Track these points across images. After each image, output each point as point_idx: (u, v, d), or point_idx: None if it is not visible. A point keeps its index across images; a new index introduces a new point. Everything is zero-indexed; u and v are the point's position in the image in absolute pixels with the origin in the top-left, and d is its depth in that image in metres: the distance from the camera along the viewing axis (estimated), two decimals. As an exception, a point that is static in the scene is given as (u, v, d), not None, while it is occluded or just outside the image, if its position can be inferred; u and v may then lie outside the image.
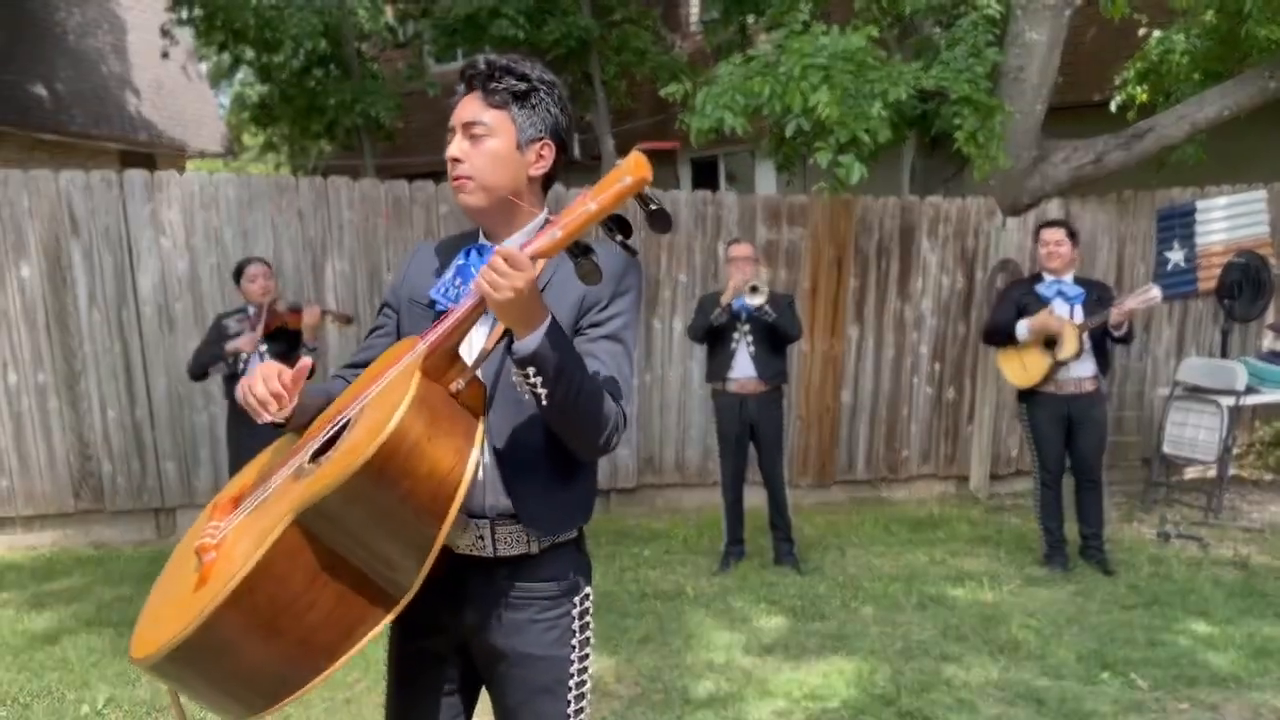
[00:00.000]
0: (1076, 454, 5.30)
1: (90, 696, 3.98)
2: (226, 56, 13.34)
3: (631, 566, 5.69)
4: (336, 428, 1.73)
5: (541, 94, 1.90)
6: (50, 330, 5.96)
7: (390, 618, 1.69)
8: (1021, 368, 5.28)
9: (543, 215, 1.94)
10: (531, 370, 1.66)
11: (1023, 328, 5.20)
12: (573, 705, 1.94)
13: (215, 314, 5.94)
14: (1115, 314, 5.05)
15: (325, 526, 1.60)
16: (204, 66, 16.97)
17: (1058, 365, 5.14)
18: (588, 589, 1.98)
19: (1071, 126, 8.04)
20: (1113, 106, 8.53)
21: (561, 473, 1.87)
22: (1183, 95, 7.78)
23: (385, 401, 1.65)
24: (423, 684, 1.97)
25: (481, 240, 1.96)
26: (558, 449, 1.83)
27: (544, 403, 1.69)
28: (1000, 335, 5.36)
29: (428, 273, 1.98)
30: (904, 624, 4.71)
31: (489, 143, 1.86)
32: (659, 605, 5.01)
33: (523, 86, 1.89)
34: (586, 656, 1.96)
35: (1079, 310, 5.19)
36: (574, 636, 1.94)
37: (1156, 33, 8.18)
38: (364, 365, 1.98)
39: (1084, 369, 5.20)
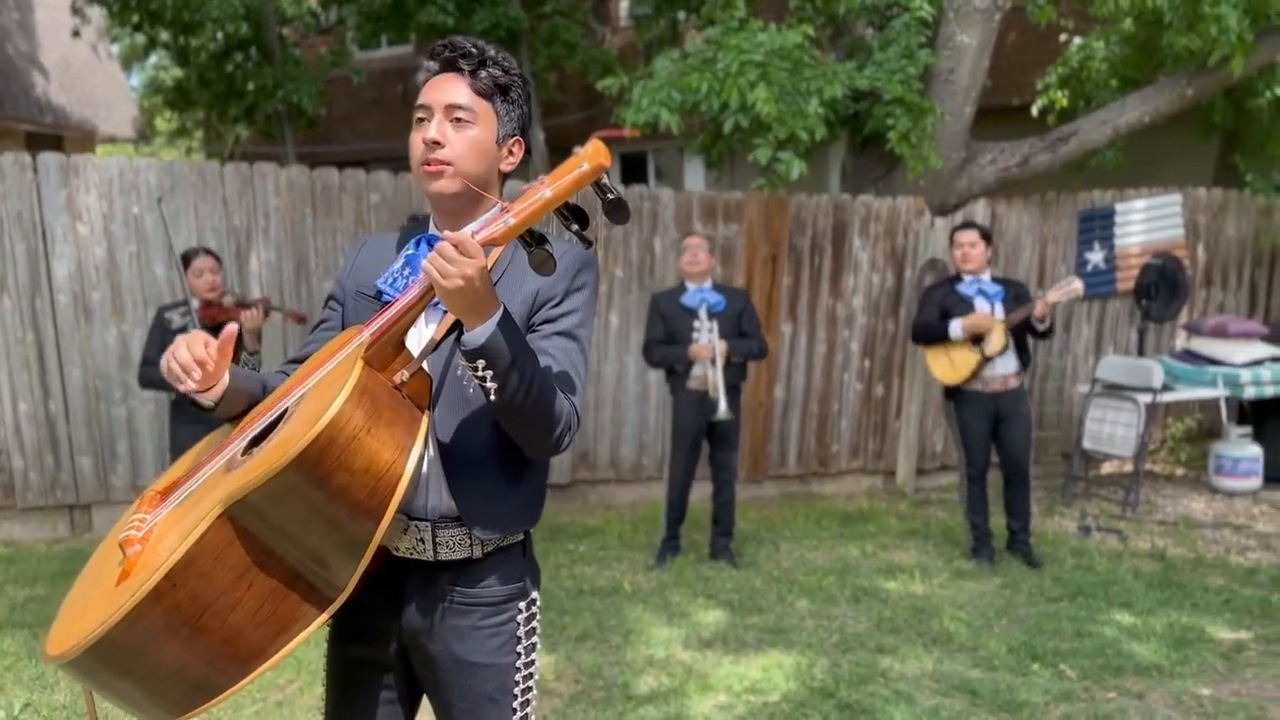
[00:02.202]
0: (1005, 450, 5.43)
1: (6, 701, 3.81)
2: (140, 38, 12.91)
3: (567, 563, 5.66)
4: (273, 418, 1.66)
5: (519, 89, 1.86)
6: (-43, 319, 5.69)
7: (323, 619, 1.62)
8: (950, 365, 5.39)
9: (498, 208, 1.89)
10: (481, 364, 1.60)
11: (956, 326, 5.30)
12: (518, 714, 1.88)
13: (136, 302, 5.75)
14: (1040, 306, 5.20)
15: (255, 521, 1.54)
16: (115, 48, 16.39)
17: (985, 360, 5.26)
18: (534, 594, 1.90)
19: (991, 129, 8.23)
20: (1034, 110, 8.74)
21: (509, 473, 1.81)
22: (1102, 101, 8.02)
23: (324, 391, 1.57)
24: (362, 690, 1.90)
25: (432, 230, 1.88)
26: (506, 447, 1.77)
27: (493, 398, 1.63)
28: (928, 334, 5.46)
29: (377, 263, 1.91)
30: (839, 617, 4.77)
31: (472, 131, 1.80)
32: (596, 601, 4.99)
33: (506, 79, 1.83)
34: (532, 663, 1.89)
35: (999, 307, 5.34)
36: (519, 644, 1.87)
37: (1077, 40, 8.41)
38: (302, 361, 1.91)
39: (1007, 365, 5.34)
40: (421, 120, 1.81)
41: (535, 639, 1.90)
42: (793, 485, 7.40)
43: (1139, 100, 7.15)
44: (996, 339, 5.23)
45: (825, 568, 5.51)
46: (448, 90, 1.80)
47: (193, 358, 1.68)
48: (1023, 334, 5.32)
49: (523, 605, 1.88)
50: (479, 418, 1.76)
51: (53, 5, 13.32)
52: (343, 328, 1.91)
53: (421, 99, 1.82)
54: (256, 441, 1.66)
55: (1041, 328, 5.25)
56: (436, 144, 1.78)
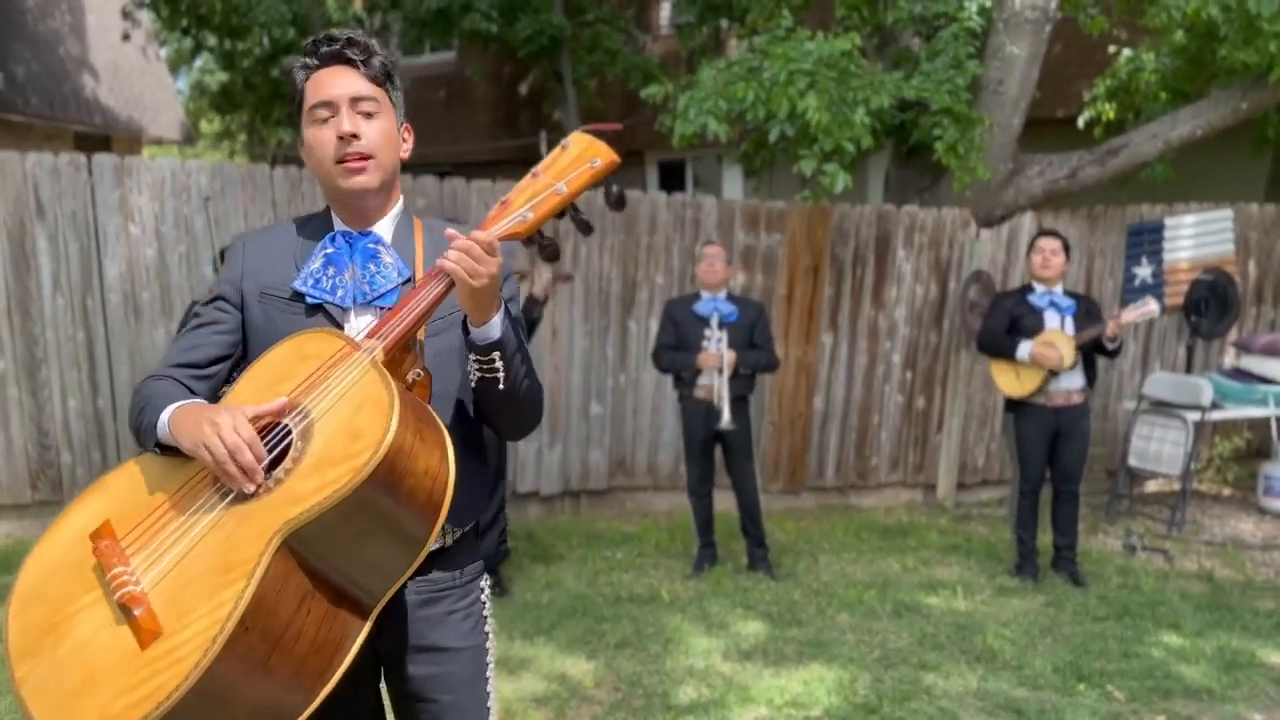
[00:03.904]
0: (1058, 465, 5.35)
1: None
2: (188, 42, 13.11)
3: (604, 570, 5.64)
4: (281, 442, 1.59)
5: (397, 76, 1.87)
6: (11, 316, 5.77)
7: (367, 630, 1.62)
8: (1015, 377, 5.30)
9: (401, 201, 1.90)
10: (496, 355, 1.67)
11: (1025, 350, 5.21)
12: (490, 696, 1.92)
13: (186, 303, 5.81)
14: (1112, 326, 5.13)
15: (317, 544, 1.51)
16: (164, 51, 16.64)
17: (1052, 375, 5.19)
18: (486, 573, 1.98)
19: (1035, 141, 8.14)
20: (1081, 123, 8.64)
21: (476, 461, 1.87)
22: (1151, 114, 7.91)
23: (360, 401, 1.55)
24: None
25: (341, 227, 1.85)
26: (470, 437, 1.83)
27: (500, 386, 1.70)
28: (995, 347, 5.37)
29: (278, 264, 1.84)
30: (880, 631, 4.72)
31: (380, 121, 1.79)
32: (634, 609, 4.97)
33: (390, 65, 1.84)
34: (491, 641, 1.95)
35: (1070, 321, 5.25)
36: (485, 623, 1.93)
37: (1126, 51, 8.31)
38: (197, 365, 1.81)
39: (1073, 381, 5.26)
40: (327, 119, 1.77)
41: (490, 617, 1.97)
42: (831, 497, 7.34)
43: (1191, 113, 7.05)
44: (1066, 356, 5.16)
45: (865, 581, 5.46)
46: (346, 83, 1.78)
47: (256, 459, 1.54)
48: (1091, 351, 5.25)
49: (483, 584, 1.95)
50: (445, 411, 1.80)
51: (103, 9, 13.56)
52: (242, 332, 1.84)
53: (319, 96, 1.77)
54: (269, 467, 1.57)
55: (1112, 347, 5.19)
56: (354, 136, 1.75)
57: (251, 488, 1.54)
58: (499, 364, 1.68)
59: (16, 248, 5.73)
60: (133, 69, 14.26)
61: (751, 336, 5.42)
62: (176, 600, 1.47)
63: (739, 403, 5.37)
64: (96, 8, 13.72)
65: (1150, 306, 5.24)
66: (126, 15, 11.77)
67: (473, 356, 1.70)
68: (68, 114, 12.60)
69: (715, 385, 5.29)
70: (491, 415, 1.84)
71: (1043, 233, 5.40)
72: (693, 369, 5.37)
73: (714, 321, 5.35)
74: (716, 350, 5.30)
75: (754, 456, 5.62)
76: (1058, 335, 5.20)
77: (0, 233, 5.70)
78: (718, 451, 5.56)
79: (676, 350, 5.43)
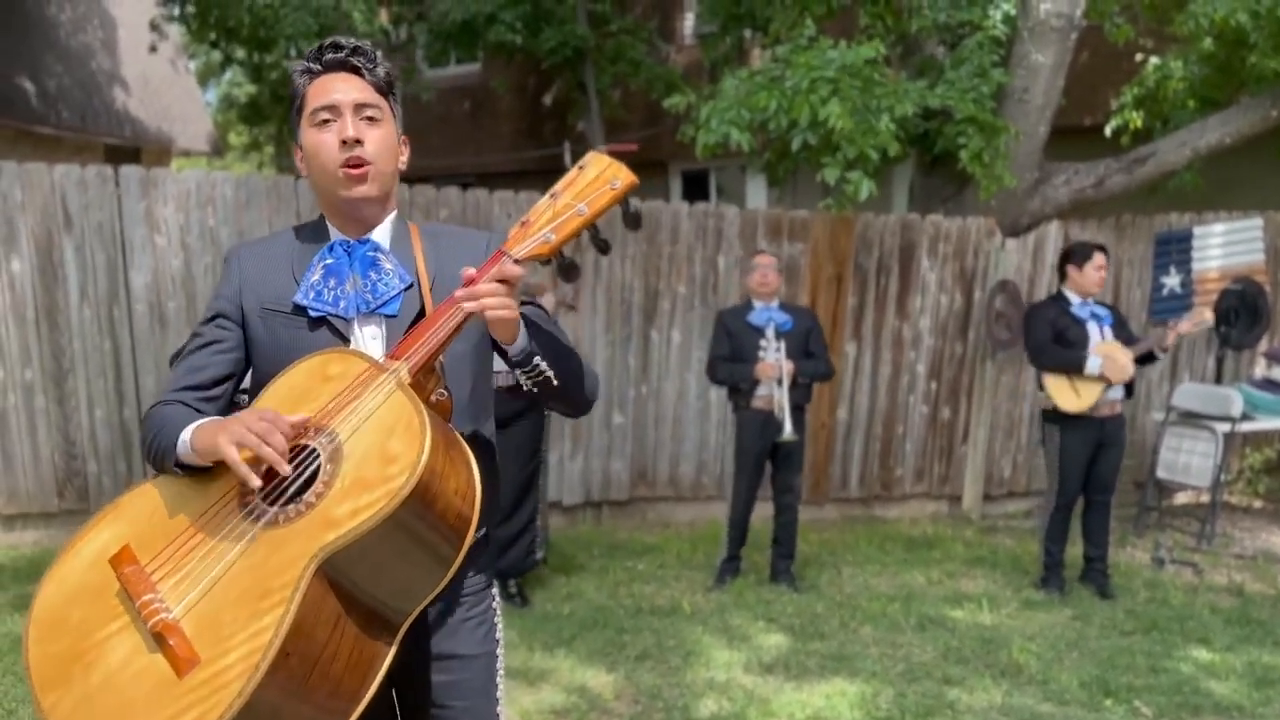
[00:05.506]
0: (1095, 474, 5.30)
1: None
2: (217, 54, 13.25)
3: (625, 581, 5.62)
4: (307, 466, 1.58)
5: (398, 88, 1.90)
6: (39, 326, 5.83)
7: (395, 648, 1.62)
8: (1073, 392, 5.18)
9: (394, 212, 1.90)
10: (537, 359, 1.70)
11: (1095, 364, 5.10)
12: (499, 703, 1.92)
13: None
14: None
15: (351, 567, 1.52)
16: (193, 64, 16.83)
17: (1108, 387, 5.15)
18: (506, 581, 2.00)
19: (1061, 150, 8.07)
20: (1108, 131, 8.57)
21: (485, 470, 1.83)
22: (1179, 122, 7.83)
23: (391, 424, 1.56)
24: None
25: (337, 236, 1.83)
26: (480, 446, 1.82)
27: (555, 383, 1.73)
28: (1055, 361, 5.20)
29: (276, 277, 1.82)
30: (904, 645, 4.67)
31: (382, 129, 1.80)
32: (655, 621, 4.94)
33: (390, 76, 1.84)
34: (501, 648, 1.96)
35: (1108, 330, 5.24)
36: (496, 630, 1.93)
37: (1154, 59, 8.24)
38: (203, 386, 1.78)
39: (1117, 391, 5.21)
40: (328, 121, 1.77)
41: (500, 623, 1.98)
42: (854, 508, 7.29)
43: (1220, 121, 6.98)
44: (1127, 366, 5.14)
45: (889, 594, 5.41)
46: (351, 89, 1.78)
47: (279, 453, 1.53)
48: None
49: (494, 592, 1.96)
50: (460, 421, 1.80)
51: (134, 23, 13.73)
52: (245, 348, 1.82)
53: (322, 100, 1.77)
54: (297, 490, 1.56)
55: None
56: (358, 141, 1.75)
57: (287, 469, 1.52)
58: (542, 365, 1.70)
59: (44, 258, 5.79)
60: (162, 82, 14.42)
61: (807, 345, 5.37)
62: (212, 627, 1.47)
63: (797, 412, 5.32)
64: (128, 22, 13.89)
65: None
66: (155, 28, 11.92)
67: (519, 371, 1.72)
68: (98, 127, 12.76)
69: (775, 396, 5.25)
70: (557, 405, 1.90)
71: (1098, 247, 5.27)
72: (751, 380, 5.31)
73: (770, 331, 5.29)
74: (775, 360, 5.25)
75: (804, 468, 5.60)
76: (1113, 347, 5.15)
77: (28, 244, 5.76)
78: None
79: (732, 362, 5.37)
